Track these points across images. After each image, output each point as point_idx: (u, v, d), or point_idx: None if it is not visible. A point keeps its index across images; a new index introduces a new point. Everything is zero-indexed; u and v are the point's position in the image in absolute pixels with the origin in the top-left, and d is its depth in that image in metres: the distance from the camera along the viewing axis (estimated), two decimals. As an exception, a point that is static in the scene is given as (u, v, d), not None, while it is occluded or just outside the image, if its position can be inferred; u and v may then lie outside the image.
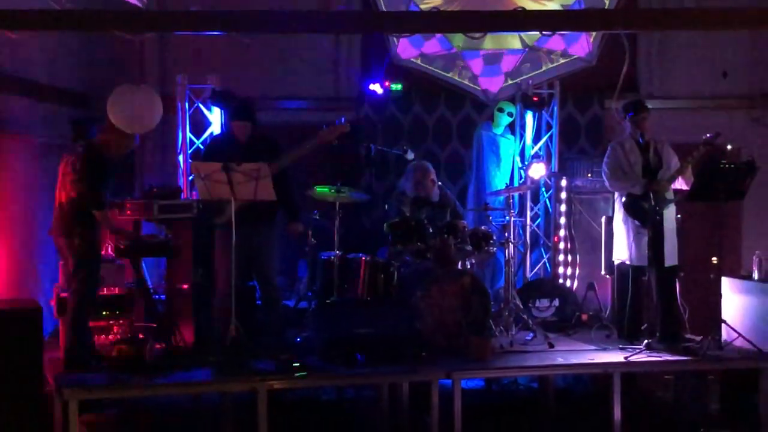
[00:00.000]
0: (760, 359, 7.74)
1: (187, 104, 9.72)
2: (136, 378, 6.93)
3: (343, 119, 7.98)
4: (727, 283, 8.48)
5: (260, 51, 10.10)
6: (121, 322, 8.01)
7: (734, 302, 8.36)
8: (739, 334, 8.03)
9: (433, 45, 10.44)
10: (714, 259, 8.48)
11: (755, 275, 8.34)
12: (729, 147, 8.43)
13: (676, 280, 8.34)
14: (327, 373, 7.34)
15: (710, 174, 8.00)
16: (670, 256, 8.18)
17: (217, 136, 9.47)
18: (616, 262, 8.56)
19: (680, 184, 8.20)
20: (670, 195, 8.21)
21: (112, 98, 7.44)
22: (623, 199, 8.27)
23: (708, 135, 8.03)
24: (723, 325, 8.25)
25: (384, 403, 7.80)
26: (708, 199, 8.28)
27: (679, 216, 8.41)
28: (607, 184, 8.45)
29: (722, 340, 8.17)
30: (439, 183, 9.23)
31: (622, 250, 8.40)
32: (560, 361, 7.70)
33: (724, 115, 10.48)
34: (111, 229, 7.60)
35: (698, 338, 8.13)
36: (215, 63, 9.94)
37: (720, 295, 8.31)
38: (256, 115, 8.00)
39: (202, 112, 9.83)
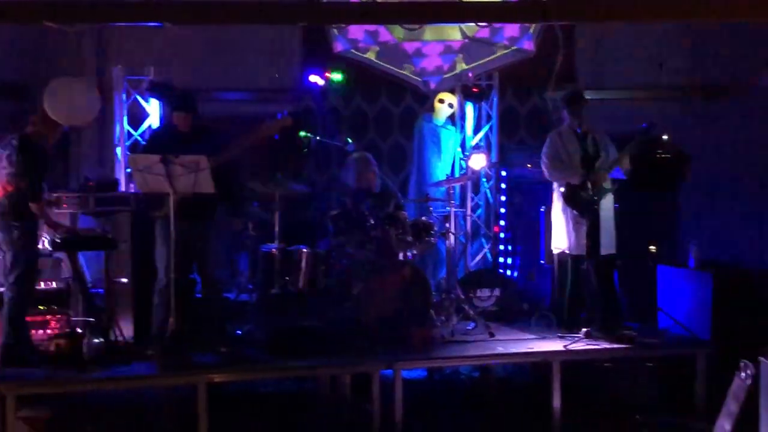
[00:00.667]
0: (696, 345, 7.87)
1: (124, 96, 9.62)
2: (74, 373, 6.87)
3: (285, 112, 7.94)
4: (663, 271, 8.60)
5: (199, 42, 10.03)
6: (58, 316, 7.92)
7: (671, 290, 8.48)
8: (676, 321, 8.16)
9: (374, 36, 10.44)
10: (651, 248, 8.60)
11: (691, 263, 8.46)
12: (665, 137, 8.54)
13: (614, 268, 8.43)
14: (269, 366, 7.33)
15: (646, 164, 8.11)
16: (608, 244, 8.27)
17: (157, 128, 9.39)
18: (556, 251, 8.62)
19: (617, 173, 8.29)
20: (607, 184, 8.28)
21: (49, 91, 7.35)
22: (561, 189, 8.34)
23: (644, 125, 8.13)
24: (660, 312, 8.37)
25: (325, 395, 7.81)
26: (644, 188, 8.40)
27: (616, 205, 8.49)
28: (546, 174, 8.49)
29: (660, 328, 8.29)
30: (381, 174, 9.26)
31: (561, 240, 8.47)
32: (500, 350, 7.76)
33: (660, 105, 10.62)
34: (48, 222, 7.50)
35: (636, 326, 8.24)
36: (153, 54, 9.84)
37: (656, 283, 8.44)
38: (196, 106, 7.94)
39: (139, 103, 9.73)
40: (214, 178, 7.20)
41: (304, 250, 8.26)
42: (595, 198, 8.11)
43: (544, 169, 8.47)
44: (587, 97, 8.61)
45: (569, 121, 8.39)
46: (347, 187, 9.00)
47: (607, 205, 8.31)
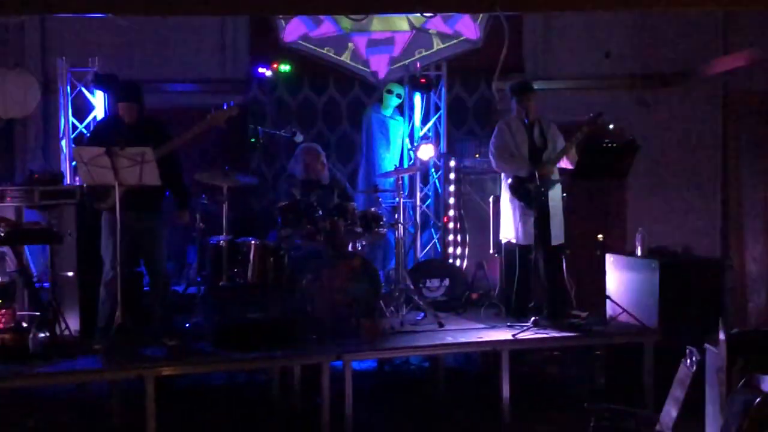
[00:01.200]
0: (643, 334, 7.93)
1: (68, 88, 9.49)
2: (19, 368, 6.78)
3: (232, 102, 7.87)
4: (611, 260, 8.66)
5: (145, 33, 9.91)
6: (3, 311, 7.79)
7: (618, 278, 8.54)
8: (624, 310, 8.21)
9: (321, 27, 10.40)
10: (599, 236, 8.65)
11: (638, 251, 8.52)
12: (611, 126, 8.58)
13: (563, 257, 8.48)
14: (218, 358, 7.28)
15: (593, 153, 8.13)
16: (556, 234, 8.32)
17: (102, 120, 9.26)
18: (504, 241, 8.65)
19: (565, 163, 8.33)
20: (555, 175, 8.32)
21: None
22: (509, 180, 8.36)
23: (591, 114, 8.17)
24: (608, 300, 8.43)
25: (276, 387, 7.78)
26: (592, 177, 8.43)
27: (564, 195, 8.53)
28: (493, 164, 8.50)
29: (607, 316, 8.36)
30: (329, 165, 9.23)
31: (509, 230, 8.50)
32: (450, 340, 7.77)
33: (607, 94, 10.68)
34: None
35: (584, 314, 8.29)
36: (98, 45, 9.72)
37: (604, 272, 8.50)
38: (142, 97, 7.85)
39: (84, 95, 9.61)
40: (160, 170, 7.13)
41: (253, 242, 8.20)
42: (543, 189, 8.14)
43: (492, 159, 8.48)
44: (535, 87, 8.64)
45: (517, 111, 8.41)
46: (295, 179, 8.95)
47: (556, 195, 8.35)
